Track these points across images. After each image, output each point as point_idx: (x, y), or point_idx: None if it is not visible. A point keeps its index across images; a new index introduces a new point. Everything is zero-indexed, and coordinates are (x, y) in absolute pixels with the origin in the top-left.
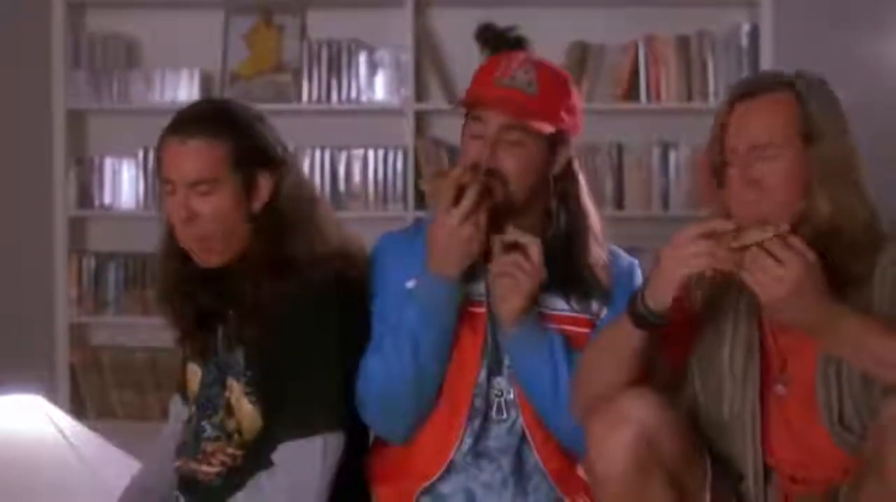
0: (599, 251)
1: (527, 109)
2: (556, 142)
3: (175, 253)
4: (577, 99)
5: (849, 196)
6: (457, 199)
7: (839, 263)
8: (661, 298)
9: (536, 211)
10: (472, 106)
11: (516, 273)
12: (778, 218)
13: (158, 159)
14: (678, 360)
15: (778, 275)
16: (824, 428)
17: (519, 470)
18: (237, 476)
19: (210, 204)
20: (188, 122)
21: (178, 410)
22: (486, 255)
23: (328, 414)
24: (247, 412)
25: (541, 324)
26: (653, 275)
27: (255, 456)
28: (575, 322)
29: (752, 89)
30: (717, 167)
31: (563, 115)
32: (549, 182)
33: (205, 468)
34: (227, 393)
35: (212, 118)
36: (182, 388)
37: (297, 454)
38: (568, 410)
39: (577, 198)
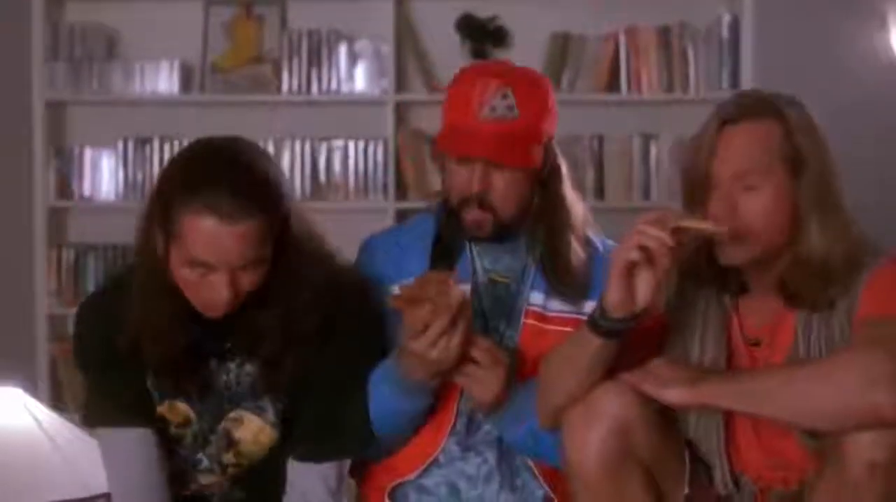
0: (579, 249)
1: (511, 140)
2: (543, 151)
3: (166, 291)
4: (552, 97)
5: (835, 223)
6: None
7: (816, 291)
8: (611, 298)
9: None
10: (457, 154)
11: (475, 386)
12: (752, 249)
13: (177, 227)
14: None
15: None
16: (791, 433)
17: (507, 466)
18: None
19: (252, 278)
20: (225, 200)
21: (152, 450)
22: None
23: (358, 443)
24: (262, 444)
25: (516, 392)
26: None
27: (273, 478)
28: (568, 323)
29: (735, 115)
30: (697, 186)
31: (546, 125)
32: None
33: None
34: (224, 425)
35: (250, 194)
36: (154, 422)
37: (316, 474)
38: (548, 448)
39: (559, 192)
